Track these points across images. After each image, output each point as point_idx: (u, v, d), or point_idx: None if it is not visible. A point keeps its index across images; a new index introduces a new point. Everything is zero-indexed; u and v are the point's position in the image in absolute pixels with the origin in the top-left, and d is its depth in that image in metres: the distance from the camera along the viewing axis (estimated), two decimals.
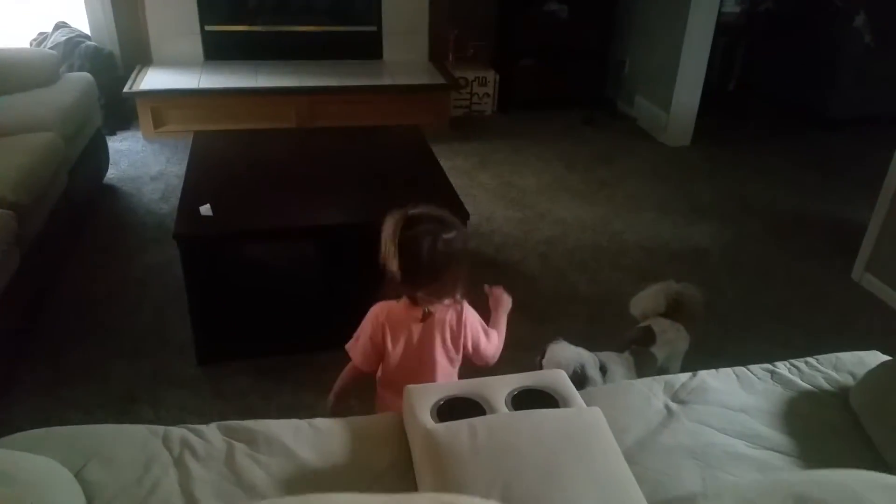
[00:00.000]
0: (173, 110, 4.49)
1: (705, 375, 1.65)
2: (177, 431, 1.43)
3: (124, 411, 2.35)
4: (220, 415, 2.30)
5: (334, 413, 1.74)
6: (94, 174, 3.76)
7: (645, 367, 2.15)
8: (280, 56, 4.99)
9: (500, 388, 1.48)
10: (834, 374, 1.68)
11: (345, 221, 2.52)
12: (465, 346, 1.68)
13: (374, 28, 5.14)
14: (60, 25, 4.65)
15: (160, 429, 1.44)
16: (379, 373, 1.78)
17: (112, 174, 4.00)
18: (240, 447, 1.39)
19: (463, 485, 1.18)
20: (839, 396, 1.60)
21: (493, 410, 1.41)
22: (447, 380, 1.70)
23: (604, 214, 3.81)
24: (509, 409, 1.41)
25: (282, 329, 2.59)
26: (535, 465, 1.20)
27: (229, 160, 2.94)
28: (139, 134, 4.52)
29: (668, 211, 3.88)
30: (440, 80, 4.87)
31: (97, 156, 3.77)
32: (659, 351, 2.20)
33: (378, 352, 1.68)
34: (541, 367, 2.03)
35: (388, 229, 1.51)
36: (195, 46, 4.88)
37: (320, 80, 4.69)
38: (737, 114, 5.36)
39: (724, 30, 5.10)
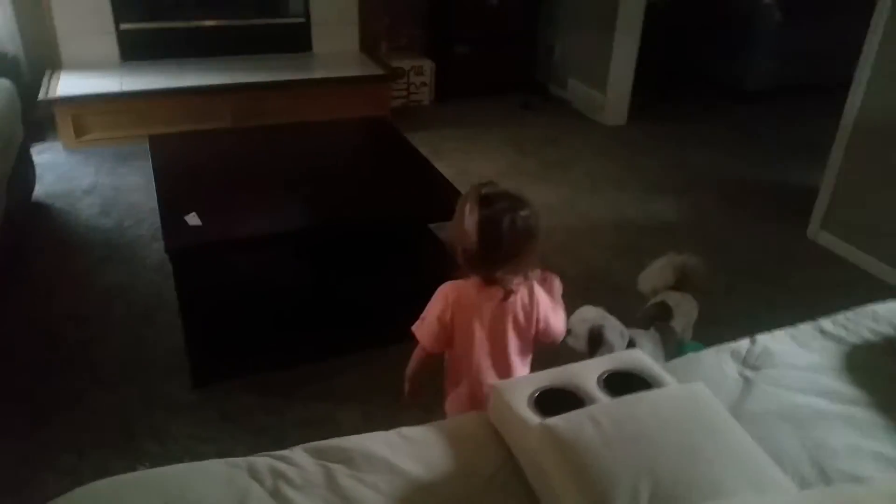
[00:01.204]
0: (96, 117, 4.16)
1: (764, 340, 1.68)
2: (261, 461, 1.30)
3: (126, 448, 2.14)
4: (235, 438, 2.17)
5: (411, 398, 1.74)
6: (23, 191, 3.43)
7: (668, 341, 2.17)
8: (204, 53, 4.72)
9: (586, 373, 1.44)
10: (875, 325, 1.75)
11: (345, 221, 2.40)
12: (537, 323, 1.64)
13: (302, 19, 4.96)
14: None
15: (241, 461, 1.31)
16: (447, 357, 1.71)
17: (39, 190, 3.66)
18: (338, 468, 1.29)
19: (606, 477, 1.13)
20: (886, 347, 1.67)
21: (590, 397, 1.38)
22: (522, 359, 1.67)
23: (566, 195, 3.84)
24: (606, 395, 1.38)
25: (283, 340, 2.45)
26: (672, 448, 1.18)
27: (197, 164, 2.74)
28: (59, 144, 4.16)
29: (625, 188, 3.96)
30: (377, 70, 4.76)
31: (25, 171, 3.43)
32: (677, 324, 2.24)
33: (446, 332, 1.61)
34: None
35: (466, 211, 1.47)
36: (110, 47, 4.53)
37: (253, 75, 4.47)
38: (662, 90, 5.53)
39: (648, 9, 5.22)
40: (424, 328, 1.63)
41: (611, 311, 2.37)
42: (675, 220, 3.62)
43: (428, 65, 5.11)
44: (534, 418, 1.31)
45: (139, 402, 2.32)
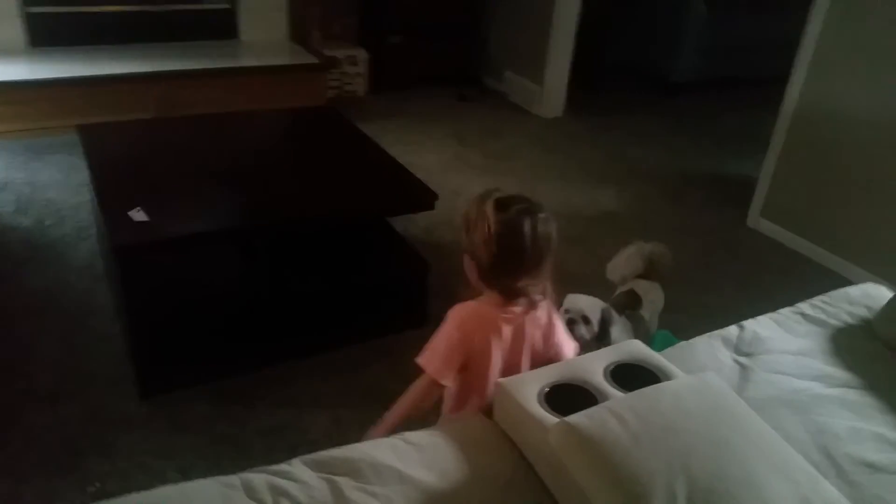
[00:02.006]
0: (3, 107, 3.80)
1: (752, 326, 1.68)
2: (257, 478, 1.18)
3: (71, 469, 1.94)
4: (194, 451, 2.02)
5: None
6: None
7: (638, 330, 2.17)
8: (122, 40, 4.42)
9: (592, 367, 1.39)
10: (851, 308, 1.79)
11: (303, 216, 2.27)
12: (551, 346, 1.50)
13: (227, 5, 4.73)
14: None
15: (235, 479, 1.18)
16: (454, 390, 1.50)
17: None
18: (344, 482, 1.18)
19: (640, 475, 1.08)
20: (865, 327, 1.71)
21: (600, 392, 1.33)
22: None
23: (514, 186, 3.79)
24: (617, 388, 1.34)
25: (238, 343, 2.29)
26: (702, 440, 1.14)
27: (134, 155, 2.54)
28: None
29: (569, 179, 3.97)
30: (310, 59, 4.59)
31: None
32: (646, 313, 2.24)
33: (462, 358, 1.41)
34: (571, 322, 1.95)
35: (481, 215, 1.34)
36: (15, 31, 4.16)
37: (177, 63, 4.22)
38: (594, 83, 5.60)
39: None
40: (437, 359, 1.39)
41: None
42: (620, 211, 3.65)
43: (362, 54, 4.98)
44: (548, 417, 1.25)
45: (82, 417, 2.12)
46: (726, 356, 1.59)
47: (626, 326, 2.14)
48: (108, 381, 2.26)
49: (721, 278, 3.07)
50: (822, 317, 1.76)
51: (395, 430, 1.43)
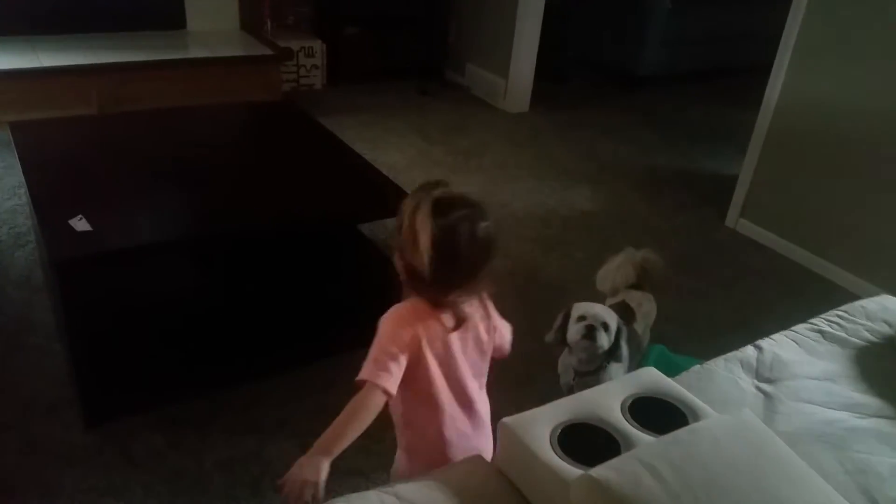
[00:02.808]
0: None
1: (770, 347, 1.55)
2: None
3: None
4: (146, 488, 1.82)
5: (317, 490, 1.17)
6: None
7: (633, 345, 2.03)
8: (59, 30, 4.10)
9: (607, 402, 1.24)
10: (871, 324, 1.68)
11: (263, 223, 2.05)
12: (494, 334, 1.39)
13: None
14: None
15: None
16: (401, 411, 1.34)
17: None
18: None
19: None
20: (887, 346, 1.60)
21: (621, 433, 1.17)
22: (479, 381, 1.38)
23: (483, 185, 3.65)
24: (638, 427, 1.18)
25: (193, 364, 2.07)
26: (749, 495, 0.99)
27: (72, 156, 2.28)
28: None
29: (541, 177, 3.83)
30: (264, 50, 4.34)
31: None
32: (640, 326, 2.10)
33: (411, 363, 1.25)
34: (561, 336, 1.81)
35: (416, 219, 1.18)
36: None
37: (120, 55, 3.93)
38: (559, 76, 5.47)
39: None
40: (380, 367, 1.21)
41: (546, 308, 2.24)
42: (595, 210, 3.52)
43: (318, 46, 4.75)
44: (565, 466, 1.09)
45: (18, 449, 1.88)
46: (748, 383, 1.45)
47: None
48: (48, 408, 2.03)
49: (705, 283, 2.96)
50: (842, 334, 1.64)
51: (338, 451, 1.19)
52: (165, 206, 2.07)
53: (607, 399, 1.24)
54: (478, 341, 1.35)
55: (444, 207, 1.19)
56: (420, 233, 1.17)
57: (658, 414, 1.22)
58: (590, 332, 1.75)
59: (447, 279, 1.23)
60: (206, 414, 2.05)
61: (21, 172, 2.14)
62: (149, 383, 2.02)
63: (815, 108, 2.98)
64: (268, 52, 4.31)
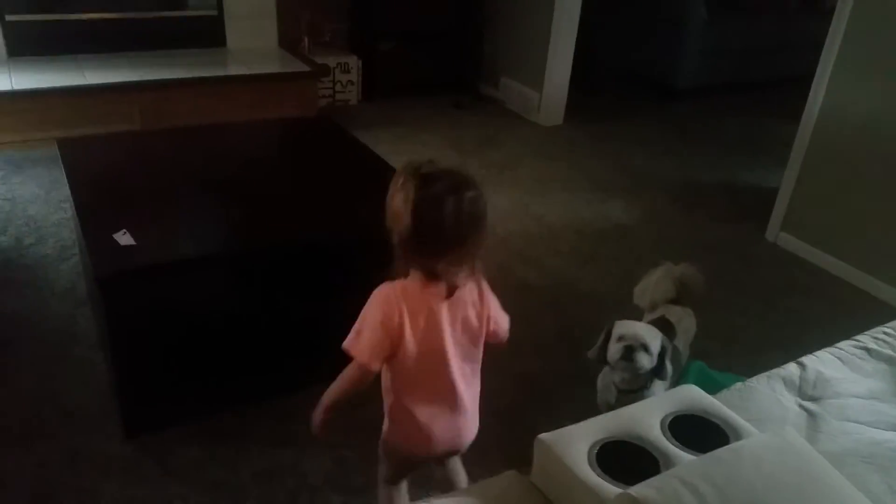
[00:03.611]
0: None
1: (814, 364, 1.51)
2: None
3: None
4: (184, 499, 1.83)
5: (321, 432, 1.46)
6: None
7: (673, 361, 2.00)
8: (105, 49, 4.23)
9: (646, 419, 1.21)
10: None
11: (303, 238, 2.08)
12: (487, 322, 1.42)
13: (214, 12, 4.55)
14: None
15: None
16: (387, 379, 1.43)
17: None
18: None
19: None
20: None
21: (660, 451, 1.15)
22: (473, 366, 1.44)
23: (518, 199, 3.64)
24: (678, 446, 1.16)
25: (232, 377, 2.10)
26: None
27: (117, 171, 2.34)
28: None
29: (576, 189, 3.81)
30: (301, 67, 4.41)
31: None
32: (681, 342, 2.07)
33: (393, 341, 1.33)
34: (602, 354, 1.79)
35: (401, 190, 1.25)
36: None
37: (162, 72, 4.03)
38: (594, 89, 5.45)
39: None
40: (363, 341, 1.33)
41: (582, 323, 2.20)
42: (630, 223, 3.49)
43: (354, 62, 4.81)
44: (603, 484, 1.07)
45: (60, 459, 1.92)
46: (790, 401, 1.42)
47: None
48: (89, 419, 2.07)
49: (745, 297, 2.90)
50: (889, 352, 1.59)
51: (331, 414, 1.44)
52: (206, 221, 2.11)
53: (646, 416, 1.22)
54: (467, 325, 1.39)
55: (429, 179, 1.25)
56: (408, 204, 1.23)
57: (698, 432, 1.19)
58: (628, 353, 1.73)
59: (435, 246, 1.28)
60: (243, 426, 2.07)
61: (67, 187, 2.20)
62: (187, 395, 2.05)
63: (857, 122, 2.91)
64: (305, 68, 4.38)
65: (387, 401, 1.47)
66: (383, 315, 1.31)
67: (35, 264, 2.77)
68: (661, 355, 1.74)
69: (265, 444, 2.02)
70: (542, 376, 2.36)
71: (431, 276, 1.31)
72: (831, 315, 2.78)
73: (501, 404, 2.10)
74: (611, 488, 1.06)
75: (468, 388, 1.43)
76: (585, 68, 5.03)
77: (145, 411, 2.00)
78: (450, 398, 1.40)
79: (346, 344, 1.35)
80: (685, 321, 2.09)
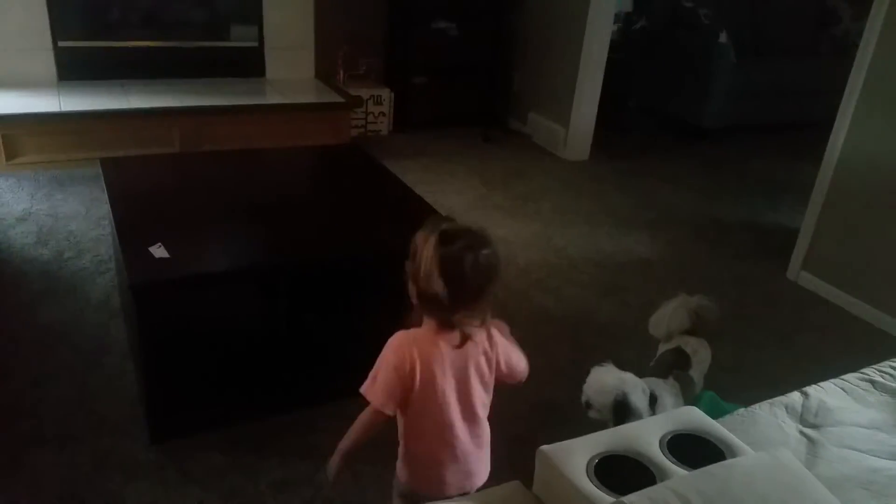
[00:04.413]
0: (30, 138, 3.80)
1: (817, 394, 1.54)
2: None
3: None
4: None
5: (339, 473, 1.52)
6: None
7: (687, 392, 2.03)
8: (149, 75, 4.43)
9: (646, 436, 1.26)
10: None
11: (326, 256, 2.17)
12: (498, 366, 1.49)
13: (255, 44, 4.74)
14: None
15: None
16: (400, 424, 1.50)
17: None
18: None
19: None
20: None
21: (657, 466, 1.20)
22: (484, 410, 1.50)
23: (540, 230, 3.71)
24: (674, 462, 1.20)
25: (254, 388, 2.18)
26: None
27: (155, 190, 2.47)
28: None
29: (598, 223, 3.86)
30: (336, 98, 4.57)
31: None
32: (695, 373, 2.10)
33: (405, 385, 1.41)
34: (586, 405, 1.87)
35: (424, 248, 1.34)
36: (46, 65, 4.19)
37: (203, 99, 4.21)
38: (621, 126, 5.53)
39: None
40: (378, 386, 1.40)
41: (599, 353, 2.24)
42: (652, 258, 3.53)
43: (387, 94, 4.95)
44: (600, 494, 1.12)
45: (89, 462, 2.01)
46: (791, 427, 1.45)
47: (674, 389, 2.00)
48: (118, 424, 2.15)
49: (762, 334, 2.92)
50: (894, 385, 1.61)
51: (348, 460, 1.51)
52: (236, 238, 2.21)
53: (646, 433, 1.26)
54: (479, 370, 1.46)
55: (449, 238, 1.34)
56: (430, 261, 1.33)
57: (696, 451, 1.23)
58: (588, 406, 1.86)
59: (454, 301, 1.36)
60: (265, 437, 2.14)
61: (108, 204, 2.33)
62: (212, 404, 2.13)
63: (877, 164, 2.94)
64: (339, 99, 4.53)
65: (400, 445, 1.53)
66: (397, 361, 1.39)
67: (73, 277, 2.89)
68: (623, 406, 1.80)
69: (284, 455, 2.08)
70: (558, 404, 2.40)
71: (446, 325, 1.40)
72: (849, 352, 2.78)
73: (515, 430, 2.14)
74: (607, 499, 1.11)
75: (477, 433, 1.50)
76: (613, 106, 5.12)
77: (171, 418, 2.08)
78: (458, 445, 1.46)
79: (363, 389, 1.43)
80: (701, 353, 2.12)
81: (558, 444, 1.26)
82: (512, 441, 2.04)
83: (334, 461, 1.51)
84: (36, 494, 1.89)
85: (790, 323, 3.03)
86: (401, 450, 1.54)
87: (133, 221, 2.17)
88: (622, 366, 1.98)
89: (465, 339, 1.40)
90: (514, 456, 1.99)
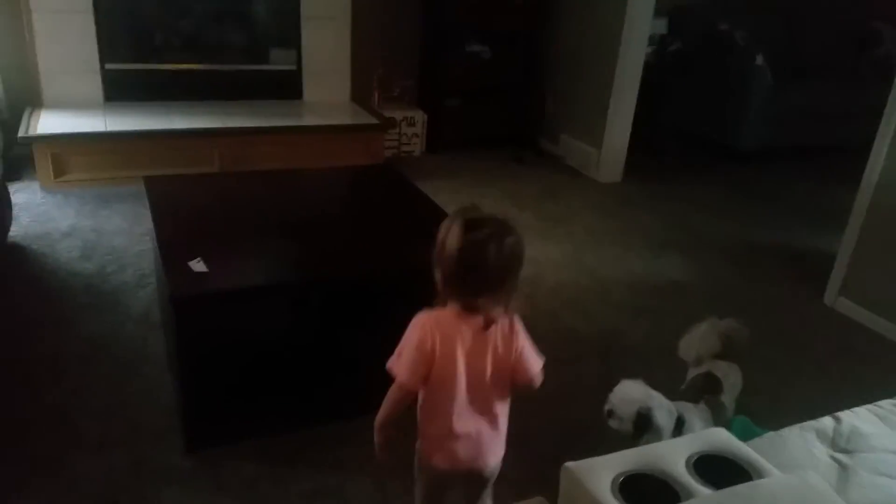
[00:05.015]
0: (77, 157, 3.94)
1: (849, 419, 1.53)
2: None
3: None
4: None
5: (381, 448, 1.59)
6: None
7: (719, 417, 2.02)
8: (191, 97, 4.57)
9: (673, 456, 1.26)
10: None
11: (360, 273, 2.22)
12: (515, 352, 1.52)
13: (293, 67, 4.86)
14: None
15: None
16: (420, 398, 1.57)
17: (14, 231, 3.40)
18: None
19: None
20: None
21: (682, 486, 1.20)
22: (501, 397, 1.55)
23: (571, 251, 3.71)
24: (700, 482, 1.20)
25: (287, 400, 2.22)
26: None
27: (196, 207, 2.55)
28: (36, 184, 3.92)
29: (630, 245, 3.85)
30: (371, 119, 4.66)
31: (2, 210, 3.19)
32: (726, 398, 2.08)
33: (427, 362, 1.48)
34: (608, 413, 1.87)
35: (450, 234, 1.40)
36: (94, 86, 4.35)
37: (242, 120, 4.33)
38: (655, 149, 5.52)
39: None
40: (403, 361, 1.49)
41: (628, 374, 2.23)
42: (685, 280, 3.51)
43: (420, 116, 5.03)
44: None
45: (127, 468, 2.07)
46: (822, 452, 1.44)
47: (705, 414, 1.98)
48: (155, 433, 2.21)
49: (798, 359, 2.88)
50: None
51: (384, 432, 1.57)
52: (273, 255, 2.27)
53: (672, 454, 1.27)
54: (496, 354, 1.50)
55: (474, 225, 1.40)
56: (452, 245, 1.39)
57: (723, 472, 1.23)
58: (609, 415, 1.88)
59: (477, 285, 1.43)
60: (296, 448, 2.18)
61: (149, 221, 2.41)
62: (247, 415, 2.18)
63: None
64: (373, 121, 4.62)
65: (419, 419, 1.60)
66: (419, 339, 1.46)
67: (115, 290, 2.99)
68: (645, 419, 1.80)
69: (314, 467, 2.12)
70: (585, 422, 2.39)
71: (469, 308, 1.45)
72: (886, 380, 2.72)
73: (541, 447, 2.15)
74: None
75: (492, 411, 1.54)
76: (647, 128, 5.12)
77: (206, 428, 2.13)
78: (472, 420, 1.52)
79: (389, 363, 1.51)
80: (732, 377, 2.11)
81: (584, 461, 1.27)
82: (538, 458, 2.05)
83: (375, 438, 1.59)
84: (76, 496, 1.95)
85: (827, 349, 2.98)
86: (419, 422, 1.60)
87: (174, 237, 2.25)
88: (652, 387, 1.98)
89: (489, 322, 1.46)
90: (540, 472, 2.01)
